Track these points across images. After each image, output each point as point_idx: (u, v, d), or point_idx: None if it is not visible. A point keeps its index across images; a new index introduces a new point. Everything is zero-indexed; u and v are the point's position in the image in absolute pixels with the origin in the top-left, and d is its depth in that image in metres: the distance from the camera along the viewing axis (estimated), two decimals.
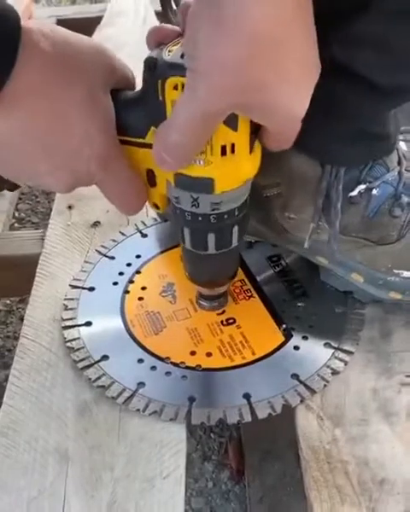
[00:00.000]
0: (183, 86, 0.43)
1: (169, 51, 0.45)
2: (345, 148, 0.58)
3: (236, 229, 0.54)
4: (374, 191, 0.60)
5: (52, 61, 0.44)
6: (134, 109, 0.49)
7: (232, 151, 0.46)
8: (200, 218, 0.51)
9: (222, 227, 0.53)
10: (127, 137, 0.49)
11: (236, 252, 0.58)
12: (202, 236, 0.54)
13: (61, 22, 1.40)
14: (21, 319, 1.01)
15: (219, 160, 0.46)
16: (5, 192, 0.95)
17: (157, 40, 0.47)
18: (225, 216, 0.52)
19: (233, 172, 0.48)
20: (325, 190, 0.59)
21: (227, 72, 0.40)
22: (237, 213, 0.52)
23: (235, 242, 0.55)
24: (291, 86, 0.43)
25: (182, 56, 0.43)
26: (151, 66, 0.45)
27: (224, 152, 0.46)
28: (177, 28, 0.48)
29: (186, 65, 0.41)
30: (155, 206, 0.54)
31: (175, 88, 0.44)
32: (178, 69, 0.43)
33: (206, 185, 0.48)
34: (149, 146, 0.48)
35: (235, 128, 0.45)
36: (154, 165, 0.49)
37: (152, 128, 0.48)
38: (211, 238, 0.54)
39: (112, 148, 0.48)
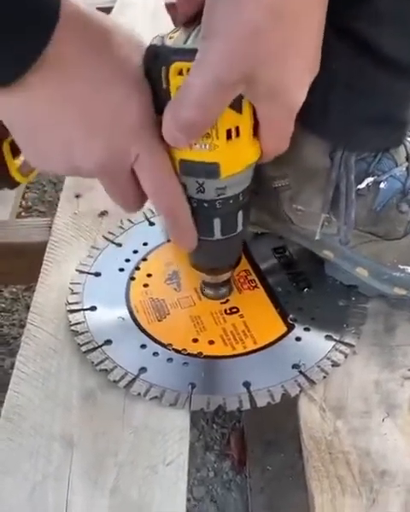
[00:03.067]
0: (188, 71, 0.42)
1: (170, 38, 0.45)
2: (362, 130, 0.58)
3: (240, 213, 0.54)
4: (382, 185, 0.61)
5: (93, 27, 0.43)
6: None
7: (237, 135, 0.46)
8: (205, 204, 0.52)
9: (227, 212, 0.53)
10: None
11: (240, 237, 0.58)
12: (207, 222, 0.54)
13: None
14: (27, 307, 1.02)
15: (225, 144, 0.46)
16: None
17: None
18: (231, 201, 0.52)
19: (238, 156, 0.48)
20: (336, 181, 0.59)
21: (242, 38, 0.39)
22: (241, 198, 0.53)
23: (240, 227, 0.56)
24: (297, 69, 0.43)
25: (185, 41, 0.43)
26: (154, 54, 0.45)
27: (229, 136, 0.46)
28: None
29: (201, 35, 0.41)
30: None
31: (180, 73, 0.43)
32: (181, 54, 0.43)
33: (212, 170, 0.48)
34: None
35: (239, 110, 0.45)
36: None
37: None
38: (217, 223, 0.54)
39: (150, 121, 0.46)
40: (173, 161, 0.48)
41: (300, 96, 0.45)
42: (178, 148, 0.46)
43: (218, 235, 0.55)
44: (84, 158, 0.46)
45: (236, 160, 0.48)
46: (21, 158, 0.75)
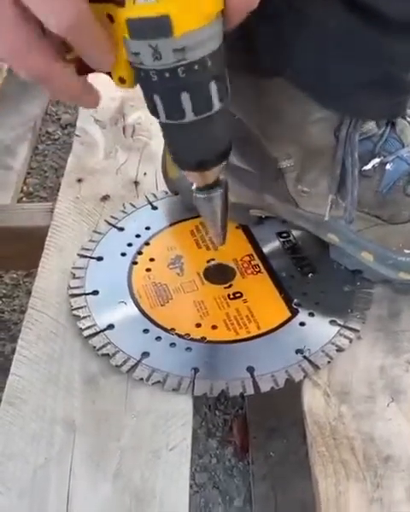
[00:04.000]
0: None
1: None
2: (363, 95, 0.57)
3: (213, 85, 0.45)
4: (388, 166, 0.60)
5: None
6: None
7: None
8: (167, 74, 0.43)
9: (195, 82, 0.44)
10: None
11: (221, 119, 0.48)
12: (174, 98, 0.45)
13: None
14: (28, 293, 1.01)
15: None
16: (14, 166, 0.95)
17: None
18: (196, 66, 0.43)
19: (192, 6, 0.40)
20: (342, 160, 0.59)
21: None
22: (209, 64, 0.43)
23: (216, 104, 0.46)
24: None
25: None
26: None
27: None
28: None
29: None
30: (121, 81, 0.46)
31: None
32: None
33: (163, 26, 0.40)
34: None
35: None
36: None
37: None
38: (185, 99, 0.45)
39: None
40: (120, 27, 0.42)
41: None
42: (121, 7, 0.40)
43: (190, 114, 0.46)
44: None
45: (190, 11, 0.40)
46: None
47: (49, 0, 0.37)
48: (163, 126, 0.49)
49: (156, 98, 0.45)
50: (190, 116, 0.45)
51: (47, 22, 0.38)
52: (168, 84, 0.44)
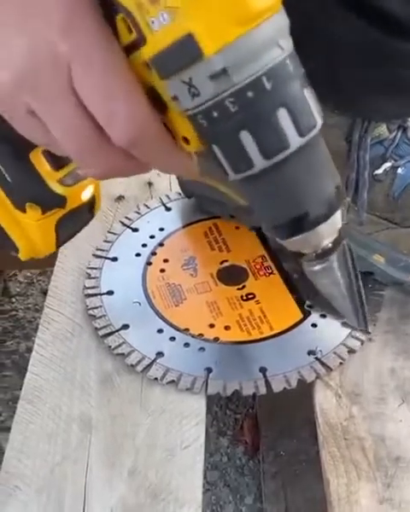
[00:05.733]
0: None
1: None
2: (373, 97, 0.57)
3: (283, 113, 0.33)
4: (399, 170, 0.60)
5: None
6: None
7: None
8: (215, 113, 0.32)
9: (253, 114, 0.32)
10: None
11: (308, 157, 0.35)
12: (233, 142, 0.33)
13: None
14: (42, 291, 1.02)
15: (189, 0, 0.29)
16: None
17: None
18: (249, 93, 0.31)
19: (219, 17, 0.30)
20: (356, 164, 0.59)
21: None
22: (270, 85, 0.32)
23: (293, 139, 0.33)
24: None
25: None
26: None
27: None
28: None
29: None
30: (185, 141, 0.36)
31: None
32: None
33: (190, 48, 0.30)
34: None
35: None
36: None
37: None
38: (247, 139, 0.33)
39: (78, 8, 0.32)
40: (141, 69, 0.34)
41: None
42: (138, 46, 0.33)
43: (259, 160, 0.34)
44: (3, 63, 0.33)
45: (217, 22, 0.30)
46: (68, 168, 0.54)
47: (110, 101, 0.32)
48: (238, 185, 0.37)
49: (216, 149, 0.34)
50: (259, 162, 0.34)
51: (108, 132, 0.33)
52: (219, 126, 0.33)
